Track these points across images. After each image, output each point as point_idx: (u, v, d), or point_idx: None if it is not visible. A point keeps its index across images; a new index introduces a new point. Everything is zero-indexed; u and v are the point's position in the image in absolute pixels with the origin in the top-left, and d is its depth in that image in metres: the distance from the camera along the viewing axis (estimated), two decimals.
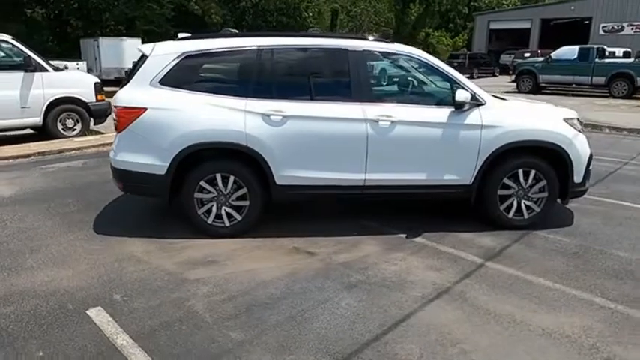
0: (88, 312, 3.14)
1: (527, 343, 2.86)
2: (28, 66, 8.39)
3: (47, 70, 8.63)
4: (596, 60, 18.38)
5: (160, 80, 4.18)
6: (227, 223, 4.35)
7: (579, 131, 4.66)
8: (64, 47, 27.00)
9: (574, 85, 19.07)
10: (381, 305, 3.27)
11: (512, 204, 4.56)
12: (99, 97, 9.19)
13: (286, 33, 4.78)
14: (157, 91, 4.18)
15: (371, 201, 5.16)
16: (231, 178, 4.26)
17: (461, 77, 4.50)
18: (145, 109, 4.14)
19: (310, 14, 40.48)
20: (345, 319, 3.10)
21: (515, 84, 20.57)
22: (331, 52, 4.42)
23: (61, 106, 8.87)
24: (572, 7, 32.53)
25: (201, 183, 4.24)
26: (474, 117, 4.35)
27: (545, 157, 4.49)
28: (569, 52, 19.19)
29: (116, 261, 3.91)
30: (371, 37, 4.91)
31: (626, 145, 9.35)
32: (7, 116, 8.33)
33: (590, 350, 2.80)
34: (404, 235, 4.46)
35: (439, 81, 4.63)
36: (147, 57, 4.26)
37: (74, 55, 24.53)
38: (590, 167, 4.78)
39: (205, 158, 4.25)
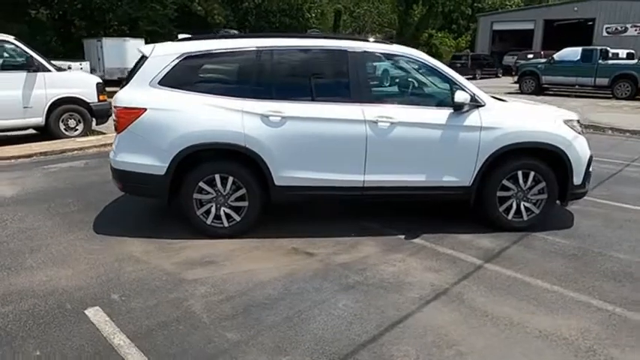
0: (85, 312, 3.15)
1: (524, 345, 2.86)
2: (31, 66, 8.43)
3: (49, 71, 8.66)
4: (600, 61, 18.32)
5: (160, 81, 4.20)
6: (226, 224, 4.36)
7: (579, 133, 4.64)
8: (67, 47, 27.11)
9: (577, 87, 19.02)
10: (379, 306, 3.27)
11: (511, 205, 4.55)
12: (101, 97, 9.22)
13: (285, 34, 4.78)
14: (157, 91, 4.19)
15: (370, 202, 5.16)
16: (230, 179, 4.27)
17: (460, 78, 4.50)
18: (145, 109, 4.15)
19: (313, 15, 40.52)
20: (342, 320, 3.10)
21: (517, 85, 20.53)
22: (330, 53, 4.43)
23: (63, 107, 8.91)
24: (576, 8, 32.48)
25: (200, 183, 4.25)
26: (473, 118, 4.35)
27: (544, 159, 4.48)
28: (572, 53, 19.13)
29: (115, 261, 3.92)
30: (372, 39, 4.91)
31: (629, 146, 9.31)
32: (10, 116, 8.37)
33: (587, 353, 2.79)
34: (403, 237, 4.46)
35: (438, 82, 4.63)
36: (146, 58, 4.28)
37: (78, 55, 24.62)
38: (591, 169, 4.76)
39: (204, 159, 4.26)
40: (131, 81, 4.31)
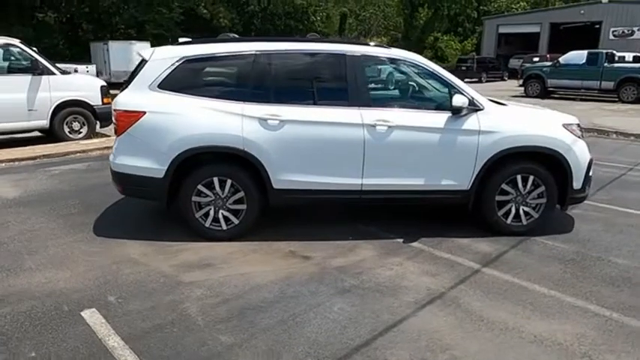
0: (82, 313, 3.18)
1: (518, 350, 2.85)
2: (35, 69, 8.52)
3: (54, 74, 8.75)
4: (605, 64, 18.21)
5: (159, 84, 4.22)
6: (224, 227, 4.38)
7: (579, 137, 4.62)
8: (74, 51, 27.36)
9: (582, 90, 18.92)
10: (374, 310, 3.26)
11: (510, 210, 4.53)
12: (105, 100, 9.28)
13: (284, 38, 4.82)
14: (156, 95, 4.22)
15: (368, 205, 5.16)
16: (229, 182, 4.29)
17: (459, 82, 4.50)
18: (144, 112, 4.18)
19: (318, 18, 40.66)
20: (337, 323, 3.10)
21: (523, 88, 20.46)
22: (329, 57, 4.44)
23: (67, 109, 8.99)
24: (582, 12, 32.33)
25: (199, 186, 4.27)
26: (471, 122, 4.34)
27: (543, 163, 4.47)
28: (577, 56, 19.04)
29: (113, 263, 3.95)
30: (372, 43, 4.92)
31: (632, 150, 9.25)
32: (15, 119, 8.46)
33: (583, 358, 2.78)
34: (401, 240, 4.46)
35: (437, 86, 4.63)
36: (146, 61, 4.31)
37: (84, 58, 24.83)
38: (591, 173, 4.73)
39: (203, 162, 4.28)
40: (131, 84, 4.35)
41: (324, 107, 4.31)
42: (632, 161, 8.02)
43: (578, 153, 4.51)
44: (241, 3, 36.58)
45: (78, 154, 8.22)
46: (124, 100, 4.31)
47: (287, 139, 4.21)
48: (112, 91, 8.89)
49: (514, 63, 32.16)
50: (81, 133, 9.26)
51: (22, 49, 8.60)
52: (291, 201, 4.50)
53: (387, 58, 4.62)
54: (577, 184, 4.52)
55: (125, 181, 4.41)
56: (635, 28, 30.08)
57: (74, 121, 9.15)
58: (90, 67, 22.02)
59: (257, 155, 4.20)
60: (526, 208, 4.54)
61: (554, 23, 34.08)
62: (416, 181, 4.41)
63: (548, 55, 27.68)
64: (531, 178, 4.46)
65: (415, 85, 4.88)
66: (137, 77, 4.33)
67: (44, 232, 4.63)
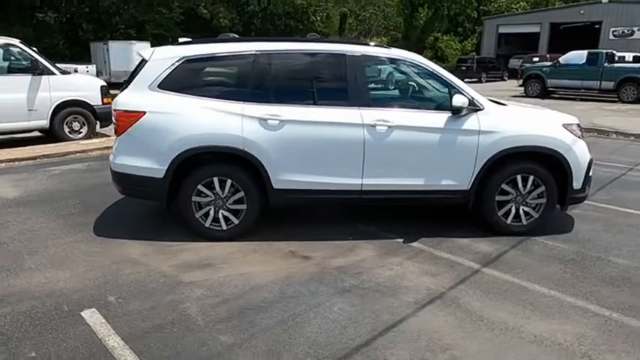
0: (82, 313, 3.18)
1: (518, 350, 2.85)
2: (35, 69, 8.52)
3: (54, 74, 8.75)
4: (605, 64, 18.21)
5: (159, 84, 4.22)
6: (224, 227, 4.38)
7: (579, 137, 4.62)
8: (74, 51, 27.36)
9: (582, 90, 18.92)
10: (374, 310, 3.26)
11: (510, 210, 4.53)
12: (105, 100, 9.28)
13: (284, 38, 4.82)
14: (156, 95, 4.22)
15: (368, 205, 5.16)
16: (229, 182, 4.29)
17: (459, 82, 4.50)
18: (144, 112, 4.18)
19: (318, 18, 40.66)
20: (337, 323, 3.10)
21: (523, 88, 20.46)
22: (329, 57, 4.44)
23: (67, 109, 8.99)
24: (582, 12, 32.32)
25: (199, 186, 4.27)
26: (471, 122, 4.34)
27: (543, 163, 4.47)
28: (577, 56, 19.04)
29: (113, 263, 3.95)
30: (372, 43, 4.92)
31: (632, 150, 9.25)
32: (15, 119, 8.46)
33: (582, 358, 2.78)
34: (401, 240, 4.46)
35: (437, 86, 4.63)
36: (146, 61, 4.31)
37: (85, 58, 24.83)
38: (591, 173, 4.73)
39: (203, 162, 4.28)
40: (131, 84, 4.35)
41: (324, 107, 4.31)
42: (632, 161, 8.02)
43: (578, 153, 4.52)
44: (241, 3, 36.59)
45: (78, 154, 8.22)
46: (124, 100, 4.31)
47: (287, 139, 4.21)
48: (112, 91, 8.89)
49: (514, 63, 32.16)
50: (81, 133, 9.26)
51: (22, 49, 8.60)
52: (291, 201, 4.50)
53: (387, 58, 4.62)
54: (577, 184, 4.52)
55: (125, 181, 4.41)
56: (635, 28, 30.08)
57: (74, 121, 9.15)
58: (90, 67, 22.02)
59: (257, 155, 4.20)
60: (526, 208, 4.54)
61: (554, 23, 34.08)
62: (416, 181, 4.41)
63: (548, 55, 27.68)
64: (531, 178, 4.46)
65: (415, 85, 4.88)
66: (137, 77, 4.33)
67: (44, 232, 4.63)
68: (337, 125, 4.25)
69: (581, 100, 18.46)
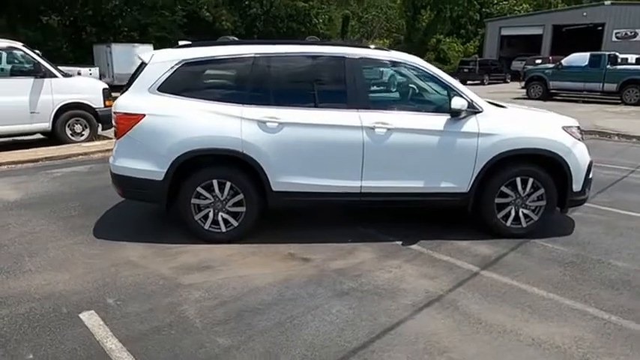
0: (80, 315, 3.19)
1: (516, 353, 2.84)
2: (38, 72, 8.57)
3: (56, 76, 8.79)
4: (608, 66, 18.17)
5: (159, 87, 4.24)
6: (223, 229, 4.39)
7: (578, 139, 4.61)
8: (78, 53, 27.44)
9: (585, 92, 18.87)
10: (372, 313, 3.26)
11: (510, 212, 4.53)
12: (107, 102, 9.30)
13: (283, 40, 4.83)
14: (156, 97, 4.24)
15: (368, 208, 5.16)
16: (228, 184, 4.30)
17: (458, 85, 4.50)
18: (143, 115, 4.20)
19: (321, 20, 40.70)
20: (334, 326, 3.10)
21: (525, 90, 20.43)
22: (328, 59, 4.45)
23: (69, 112, 9.02)
24: (585, 14, 32.25)
25: (198, 189, 4.29)
26: (470, 125, 4.34)
27: (543, 165, 4.46)
28: (580, 58, 19.01)
29: (112, 265, 3.96)
30: (372, 45, 4.93)
31: (634, 152, 9.22)
32: (17, 121, 8.50)
33: None
34: (400, 243, 4.45)
35: (436, 88, 4.63)
36: (146, 64, 4.33)
37: (88, 61, 24.92)
38: (591, 176, 4.72)
39: (202, 164, 4.30)
40: (131, 87, 4.37)
41: (323, 110, 4.32)
42: (633, 164, 7.99)
43: (578, 155, 4.51)
44: (244, 6, 36.68)
45: (80, 157, 8.25)
46: (124, 103, 4.33)
47: (286, 141, 4.22)
48: (115, 94, 8.90)
49: (516, 65, 32.07)
50: (83, 135, 9.29)
51: (25, 52, 8.65)
52: (291, 203, 4.51)
53: (387, 60, 4.63)
54: (577, 186, 4.51)
55: (125, 183, 4.42)
56: (638, 30, 29.99)
57: (76, 124, 9.18)
58: (93, 69, 22.08)
59: (256, 158, 4.21)
60: (526, 211, 4.54)
61: (557, 25, 34.01)
62: (415, 183, 4.41)
63: (550, 57, 27.61)
64: (531, 180, 4.46)
65: (414, 87, 4.89)
66: (137, 80, 4.35)
67: (44, 235, 4.65)
68: (336, 128, 4.25)
69: (584, 102, 18.40)
